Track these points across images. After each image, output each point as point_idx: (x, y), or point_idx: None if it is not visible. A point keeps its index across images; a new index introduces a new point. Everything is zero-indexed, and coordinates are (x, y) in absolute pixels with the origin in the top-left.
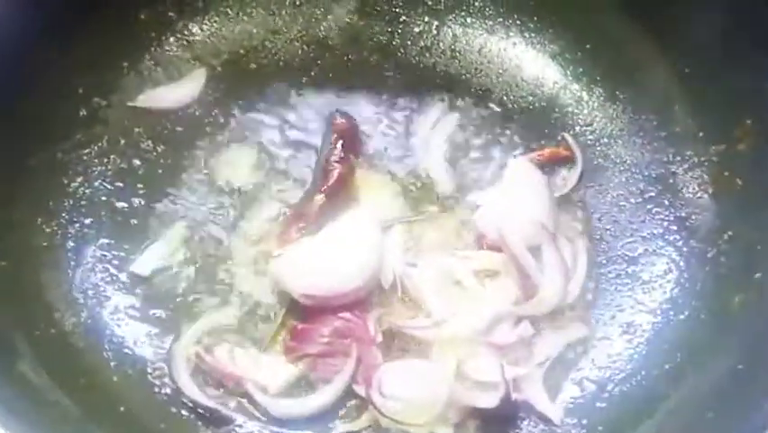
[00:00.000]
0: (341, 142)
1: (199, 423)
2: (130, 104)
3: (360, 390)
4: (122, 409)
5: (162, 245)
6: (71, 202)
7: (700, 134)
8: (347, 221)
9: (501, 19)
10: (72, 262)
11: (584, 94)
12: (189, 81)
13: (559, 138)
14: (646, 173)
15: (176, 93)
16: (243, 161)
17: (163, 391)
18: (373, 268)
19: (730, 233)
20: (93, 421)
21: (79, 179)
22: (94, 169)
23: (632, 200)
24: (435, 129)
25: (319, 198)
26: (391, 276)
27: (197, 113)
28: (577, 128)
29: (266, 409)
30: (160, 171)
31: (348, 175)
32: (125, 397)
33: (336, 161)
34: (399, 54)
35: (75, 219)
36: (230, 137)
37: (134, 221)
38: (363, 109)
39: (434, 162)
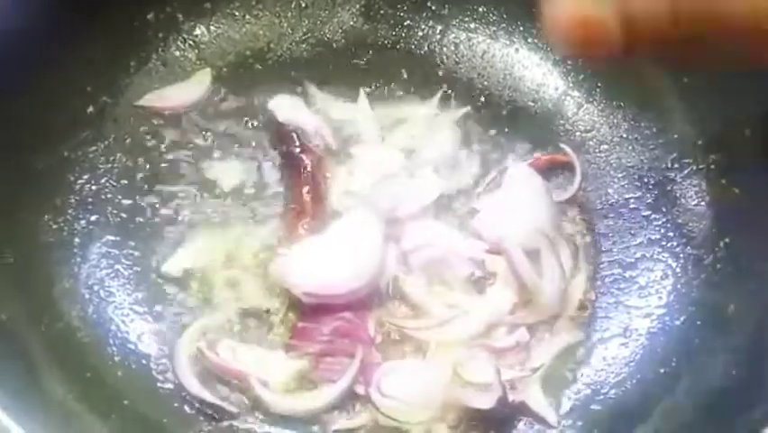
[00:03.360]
0: (293, 134)
1: (201, 418)
2: (136, 103)
3: (359, 388)
4: (126, 402)
5: (186, 246)
6: (77, 199)
7: (699, 143)
8: (350, 221)
9: (504, 25)
10: (78, 258)
11: (585, 101)
12: (195, 81)
13: (560, 145)
14: (645, 180)
15: (181, 93)
16: (246, 165)
17: (166, 387)
18: (375, 268)
19: (726, 240)
20: (98, 415)
21: (86, 177)
22: (100, 167)
23: (630, 206)
24: (438, 133)
25: (305, 191)
26: (390, 277)
27: (202, 114)
28: (578, 134)
29: (267, 406)
30: (165, 171)
31: (318, 162)
32: (129, 391)
33: (300, 153)
34: (403, 58)
35: (81, 216)
36: (234, 139)
37: (139, 219)
38: (362, 110)
39: (435, 167)
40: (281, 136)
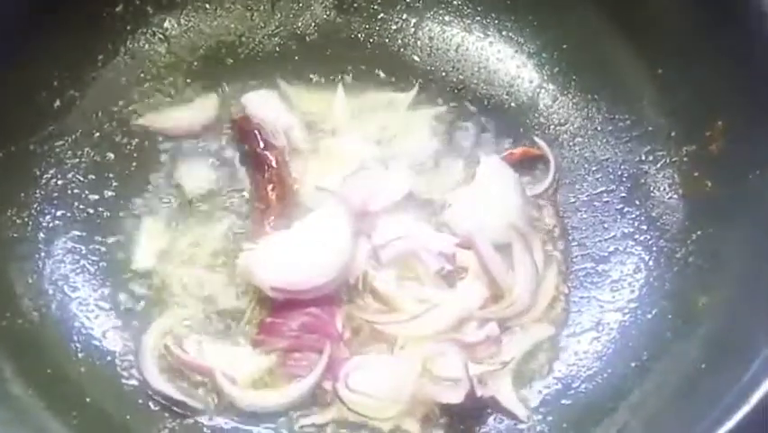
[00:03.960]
0: (256, 131)
1: (166, 415)
2: (104, 97)
3: (327, 383)
4: (88, 400)
5: (153, 242)
6: (43, 193)
7: (673, 134)
8: (320, 215)
9: (479, 17)
10: (42, 254)
11: (559, 93)
12: (199, 108)
13: (533, 138)
14: (619, 173)
15: (185, 115)
16: (213, 162)
17: (130, 383)
18: (344, 263)
19: (699, 233)
20: (57, 413)
21: (52, 171)
22: (67, 161)
23: (604, 199)
24: (412, 126)
25: (270, 189)
26: (360, 272)
27: (173, 109)
28: (552, 127)
29: (233, 402)
30: (134, 165)
31: (283, 159)
32: (92, 388)
33: (264, 149)
34: (377, 51)
35: (46, 211)
36: (202, 136)
37: (106, 214)
38: (338, 103)
39: (408, 160)
40: (244, 134)
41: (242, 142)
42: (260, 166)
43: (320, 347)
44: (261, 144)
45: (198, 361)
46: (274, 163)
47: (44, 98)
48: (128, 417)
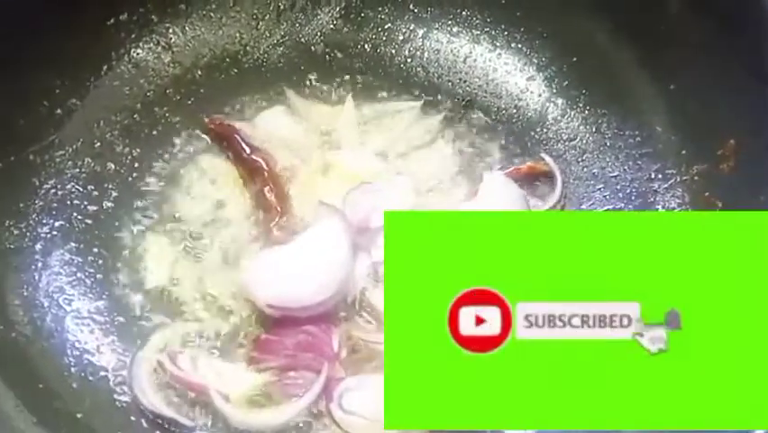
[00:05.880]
0: (237, 137)
1: (157, 432)
2: (106, 106)
3: (321, 403)
4: (78, 416)
5: (153, 257)
6: (42, 204)
7: (683, 152)
8: (318, 231)
9: (488, 29)
10: (39, 265)
11: (568, 108)
12: None
13: (540, 153)
14: (628, 190)
15: None
16: (218, 171)
17: (123, 399)
18: (342, 280)
19: None
20: (46, 429)
21: (51, 181)
22: (67, 171)
23: None
24: (417, 139)
25: (267, 190)
26: (358, 290)
27: (175, 118)
28: (560, 143)
29: (226, 420)
30: (135, 176)
31: (272, 161)
32: (84, 404)
33: (249, 154)
34: (383, 62)
35: (45, 221)
36: (205, 146)
37: (105, 225)
38: (345, 116)
39: (412, 174)
40: (224, 140)
41: (225, 149)
42: (251, 171)
43: (316, 367)
44: (247, 149)
45: (192, 377)
46: (265, 165)
47: (45, 107)
48: None
